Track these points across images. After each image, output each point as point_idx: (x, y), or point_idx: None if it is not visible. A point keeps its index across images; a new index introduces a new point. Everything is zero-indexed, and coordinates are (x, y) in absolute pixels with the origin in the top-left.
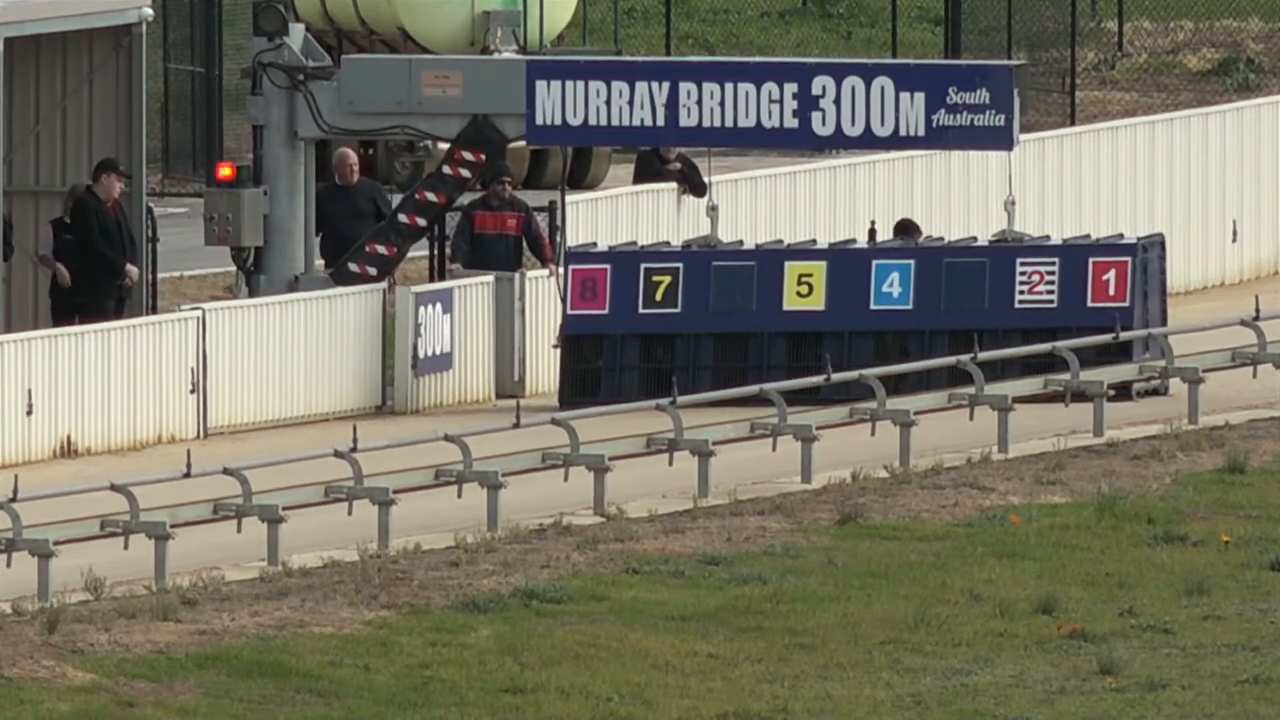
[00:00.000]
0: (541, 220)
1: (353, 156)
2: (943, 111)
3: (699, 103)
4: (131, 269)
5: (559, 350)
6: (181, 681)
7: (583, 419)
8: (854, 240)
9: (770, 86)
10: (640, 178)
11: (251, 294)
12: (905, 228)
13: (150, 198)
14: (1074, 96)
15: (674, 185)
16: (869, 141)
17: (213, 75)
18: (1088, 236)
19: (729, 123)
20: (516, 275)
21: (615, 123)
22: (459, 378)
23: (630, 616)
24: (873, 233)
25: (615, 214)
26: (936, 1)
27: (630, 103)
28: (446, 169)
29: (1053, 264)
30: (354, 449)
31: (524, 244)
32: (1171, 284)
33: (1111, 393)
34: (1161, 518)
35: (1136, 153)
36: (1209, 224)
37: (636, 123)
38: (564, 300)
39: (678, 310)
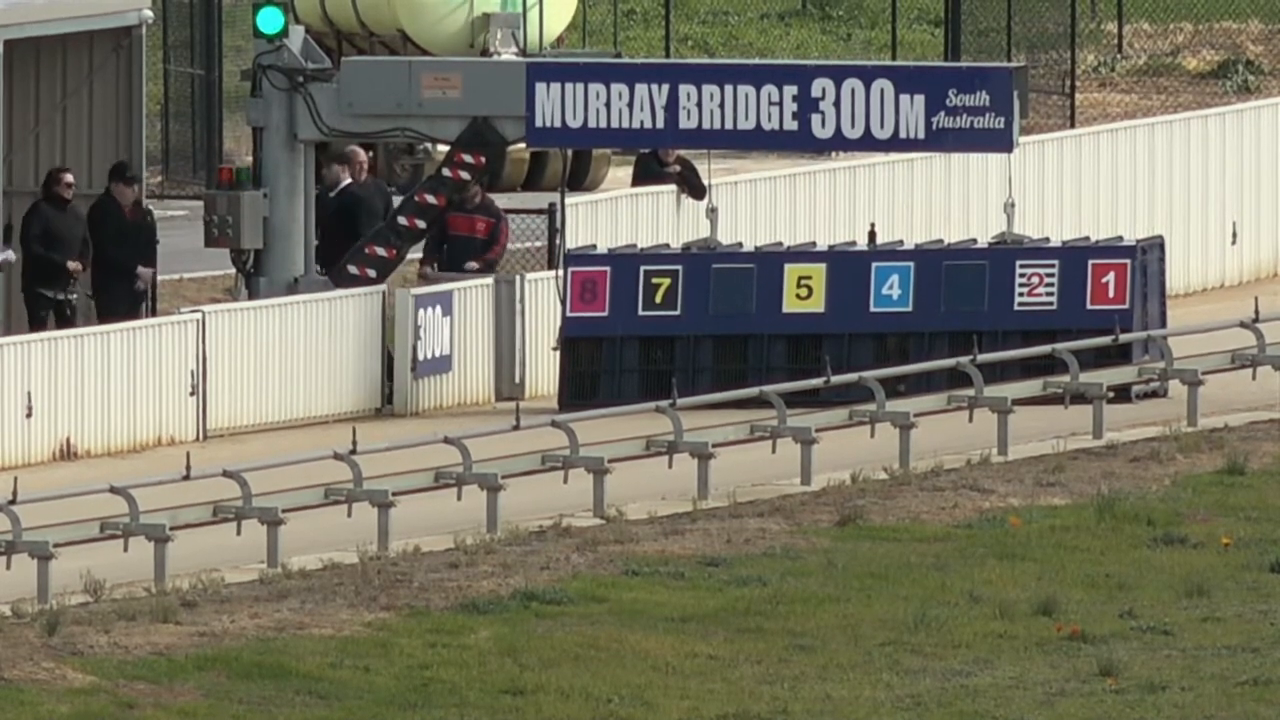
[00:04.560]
0: (540, 221)
1: (363, 154)
2: (942, 114)
3: (698, 105)
4: (144, 271)
5: (558, 352)
6: (181, 683)
7: (582, 421)
8: (854, 242)
9: (770, 89)
10: (640, 180)
11: (251, 296)
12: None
13: (150, 200)
14: (1074, 98)
15: (673, 187)
16: (868, 144)
17: (212, 77)
18: (1087, 239)
19: (728, 125)
20: (516, 278)
21: (615, 125)
22: (458, 380)
23: (630, 618)
24: (872, 235)
25: (615, 216)
26: (936, 3)
27: (630, 105)
28: (446, 171)
29: (1052, 266)
30: (354, 451)
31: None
32: (1171, 286)
33: (1111, 395)
34: (1161, 519)
35: (1136, 155)
36: (1208, 226)
37: (636, 125)
38: (563, 302)
39: (677, 312)
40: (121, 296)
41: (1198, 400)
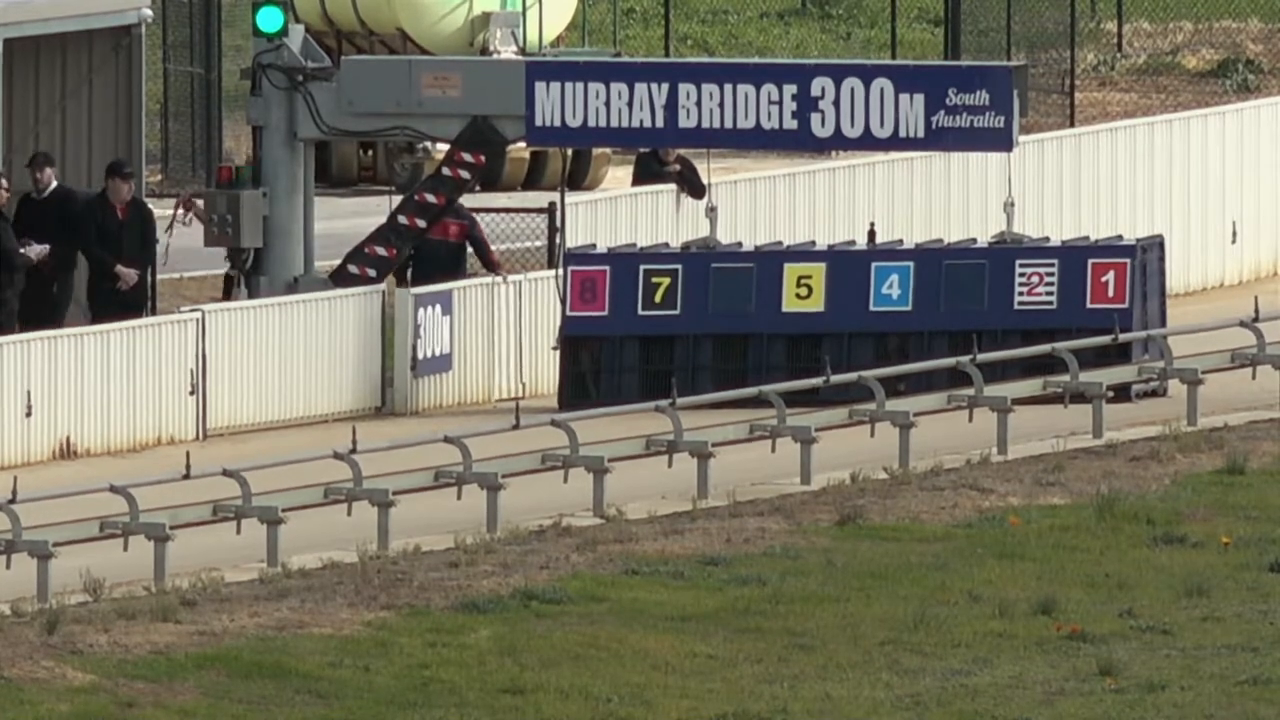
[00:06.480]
0: (540, 221)
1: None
2: (942, 113)
3: (698, 104)
4: (125, 271)
5: (558, 352)
6: (181, 682)
7: (582, 420)
8: (853, 242)
9: (769, 88)
10: (639, 179)
11: (251, 295)
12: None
13: (149, 199)
14: (1073, 97)
15: (673, 187)
16: (868, 143)
17: (212, 76)
18: (1087, 238)
19: (728, 124)
20: (521, 277)
21: (614, 124)
22: (458, 379)
23: (630, 617)
24: (872, 234)
25: (614, 215)
26: (936, 2)
27: (629, 104)
28: (446, 170)
29: (1052, 265)
30: (353, 450)
31: (467, 251)
32: (1171, 285)
33: (1111, 394)
34: (1161, 519)
35: (1136, 154)
36: (1208, 225)
37: (636, 124)
38: (563, 302)
39: (677, 312)
40: (105, 296)
41: (1197, 400)
